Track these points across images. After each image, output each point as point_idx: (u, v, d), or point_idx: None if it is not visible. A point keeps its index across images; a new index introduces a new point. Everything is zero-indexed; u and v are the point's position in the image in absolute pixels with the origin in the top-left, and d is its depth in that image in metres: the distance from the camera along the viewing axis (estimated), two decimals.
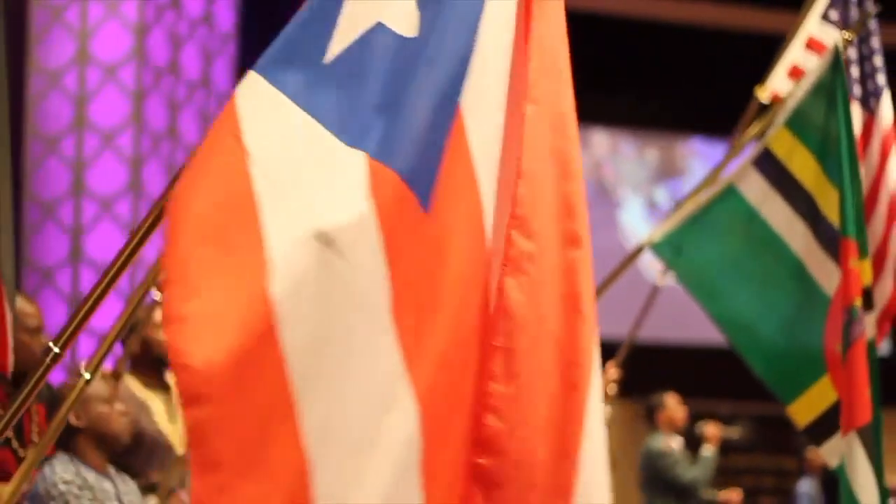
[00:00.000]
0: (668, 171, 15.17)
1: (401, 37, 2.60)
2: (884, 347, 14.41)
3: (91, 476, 4.60)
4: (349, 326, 2.46)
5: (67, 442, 4.75)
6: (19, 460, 4.64)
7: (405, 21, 2.63)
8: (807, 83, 5.22)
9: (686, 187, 14.43)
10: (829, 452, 5.04)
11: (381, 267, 2.50)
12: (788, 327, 5.22)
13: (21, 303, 4.88)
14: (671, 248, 5.38)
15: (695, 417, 10.17)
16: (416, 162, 2.56)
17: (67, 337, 2.99)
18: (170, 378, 5.95)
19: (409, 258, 2.53)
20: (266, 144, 2.47)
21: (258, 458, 2.34)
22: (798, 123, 5.19)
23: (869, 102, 5.94)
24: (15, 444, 4.65)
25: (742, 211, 5.25)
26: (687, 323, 10.85)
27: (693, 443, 9.62)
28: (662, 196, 15.57)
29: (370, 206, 2.47)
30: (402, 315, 2.51)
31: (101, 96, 10.02)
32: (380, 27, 2.60)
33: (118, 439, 4.66)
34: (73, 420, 4.61)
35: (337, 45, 2.57)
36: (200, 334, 2.33)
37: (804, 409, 5.19)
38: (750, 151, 5.33)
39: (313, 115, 2.53)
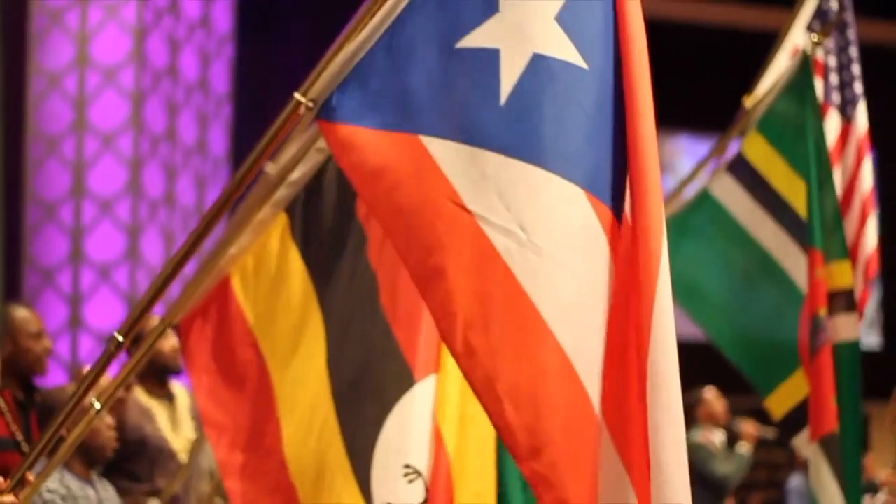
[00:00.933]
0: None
1: (562, 62, 2.86)
2: (873, 341, 14.53)
3: (75, 485, 4.74)
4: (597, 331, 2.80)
5: (53, 450, 4.88)
6: None
7: (555, 44, 2.87)
8: (778, 87, 5.39)
9: (672, 184, 14.56)
10: (802, 444, 5.26)
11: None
12: (765, 322, 5.39)
13: (20, 310, 5.03)
14: None
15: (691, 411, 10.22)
16: (617, 193, 2.85)
17: (130, 326, 3.16)
18: (173, 387, 6.11)
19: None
20: (484, 200, 2.78)
21: (587, 473, 2.72)
22: (769, 127, 5.37)
23: (846, 110, 6.09)
24: (25, 446, 4.79)
25: (717, 215, 5.42)
26: (679, 320, 10.97)
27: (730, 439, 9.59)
28: None
29: (606, 246, 2.81)
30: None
31: (100, 99, 10.16)
32: (537, 58, 2.86)
33: (103, 452, 4.80)
34: (61, 431, 4.75)
35: (506, 85, 2.85)
36: (514, 397, 2.70)
37: (781, 401, 5.35)
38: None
39: (512, 155, 2.81)
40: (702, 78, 13.66)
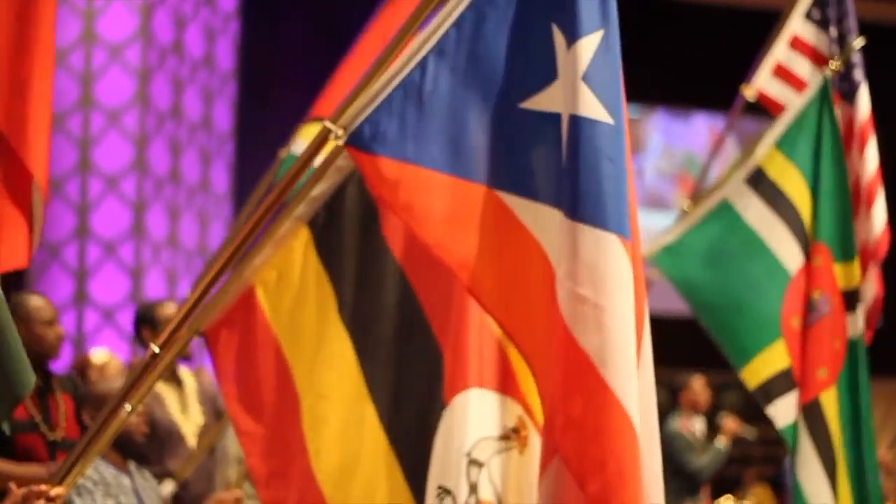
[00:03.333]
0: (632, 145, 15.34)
1: (591, 120, 3.09)
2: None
3: (108, 472, 4.86)
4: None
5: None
6: (48, 444, 4.92)
7: (585, 104, 3.09)
8: (799, 104, 5.55)
9: (641, 161, 14.62)
10: (776, 412, 5.45)
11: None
12: (745, 294, 5.54)
13: (34, 298, 5.16)
14: (668, 259, 5.70)
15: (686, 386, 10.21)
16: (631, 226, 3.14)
17: (168, 337, 3.33)
18: (181, 373, 6.25)
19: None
20: (557, 258, 3.07)
21: None
22: (789, 145, 5.52)
23: (851, 98, 6.16)
24: (44, 427, 4.94)
25: (738, 228, 5.56)
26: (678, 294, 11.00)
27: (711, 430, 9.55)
28: None
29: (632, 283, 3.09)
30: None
31: (106, 75, 10.23)
32: (573, 119, 3.09)
33: (131, 438, 4.91)
34: (87, 421, 4.87)
35: (563, 147, 3.10)
36: (572, 428, 3.04)
37: (756, 371, 5.53)
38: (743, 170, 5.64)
39: (563, 211, 3.07)
40: (678, 54, 13.66)
